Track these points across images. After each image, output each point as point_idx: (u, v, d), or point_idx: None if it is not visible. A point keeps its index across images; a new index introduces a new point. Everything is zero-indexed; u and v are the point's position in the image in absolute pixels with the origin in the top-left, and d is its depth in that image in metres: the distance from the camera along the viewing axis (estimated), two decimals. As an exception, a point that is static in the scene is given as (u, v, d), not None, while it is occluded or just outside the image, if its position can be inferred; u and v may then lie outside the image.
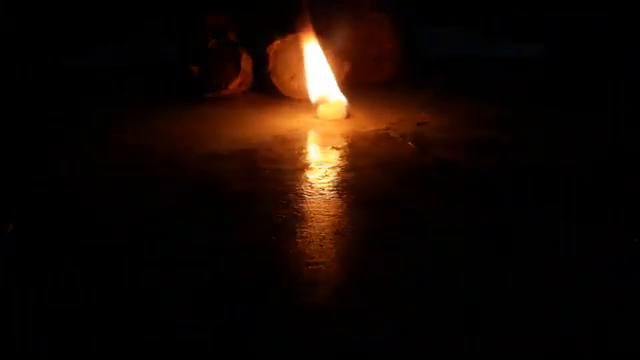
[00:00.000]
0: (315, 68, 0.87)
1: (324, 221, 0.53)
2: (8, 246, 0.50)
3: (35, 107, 0.92)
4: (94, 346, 0.38)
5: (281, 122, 0.81)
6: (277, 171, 0.65)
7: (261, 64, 0.94)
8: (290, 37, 0.91)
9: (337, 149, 0.71)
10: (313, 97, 0.86)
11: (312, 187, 0.60)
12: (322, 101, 0.84)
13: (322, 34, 0.88)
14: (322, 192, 0.59)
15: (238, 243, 0.50)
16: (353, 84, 0.93)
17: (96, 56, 1.21)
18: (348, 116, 0.82)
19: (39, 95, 0.98)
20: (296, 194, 0.59)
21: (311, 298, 0.43)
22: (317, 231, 0.51)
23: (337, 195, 0.58)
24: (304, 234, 0.51)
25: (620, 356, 0.37)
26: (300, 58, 0.89)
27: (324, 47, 0.87)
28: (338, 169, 0.65)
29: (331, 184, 0.61)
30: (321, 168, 0.65)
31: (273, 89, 0.93)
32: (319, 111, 0.82)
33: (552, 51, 1.21)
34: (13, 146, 0.74)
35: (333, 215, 0.54)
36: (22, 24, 1.23)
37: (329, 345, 0.38)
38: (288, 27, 0.90)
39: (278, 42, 0.92)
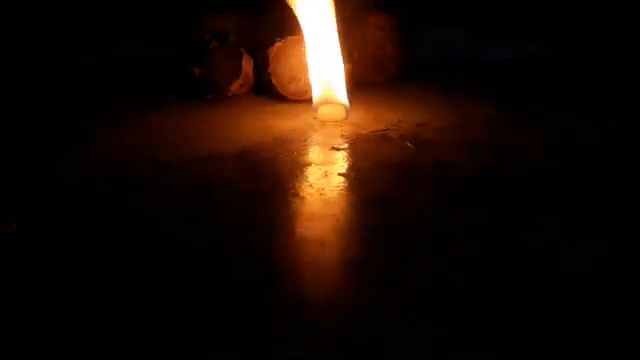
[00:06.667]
0: (322, 65, 0.85)
1: (324, 221, 0.53)
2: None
3: (34, 106, 0.92)
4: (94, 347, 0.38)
5: (281, 123, 0.81)
6: (277, 171, 0.65)
7: (262, 65, 0.94)
8: (290, 38, 0.91)
9: (337, 150, 0.71)
10: (316, 97, 0.85)
11: (312, 187, 0.60)
12: (324, 102, 0.83)
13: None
14: (322, 192, 0.59)
15: (238, 243, 0.50)
16: (353, 85, 0.93)
17: (96, 56, 1.21)
18: (348, 117, 0.82)
19: (38, 95, 0.98)
20: (296, 194, 0.59)
21: (311, 298, 0.43)
22: (317, 231, 0.51)
23: (337, 195, 0.58)
24: (304, 234, 0.51)
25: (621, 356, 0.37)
26: (301, 59, 0.88)
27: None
28: (338, 169, 0.65)
29: (331, 184, 0.61)
30: (321, 168, 0.65)
31: (273, 90, 0.93)
32: (319, 112, 0.82)
33: (552, 51, 1.21)
34: (11, 145, 0.74)
35: (333, 215, 0.55)
36: (21, 23, 1.23)
37: (329, 345, 0.38)
38: (288, 28, 0.90)
39: (279, 43, 0.92)
